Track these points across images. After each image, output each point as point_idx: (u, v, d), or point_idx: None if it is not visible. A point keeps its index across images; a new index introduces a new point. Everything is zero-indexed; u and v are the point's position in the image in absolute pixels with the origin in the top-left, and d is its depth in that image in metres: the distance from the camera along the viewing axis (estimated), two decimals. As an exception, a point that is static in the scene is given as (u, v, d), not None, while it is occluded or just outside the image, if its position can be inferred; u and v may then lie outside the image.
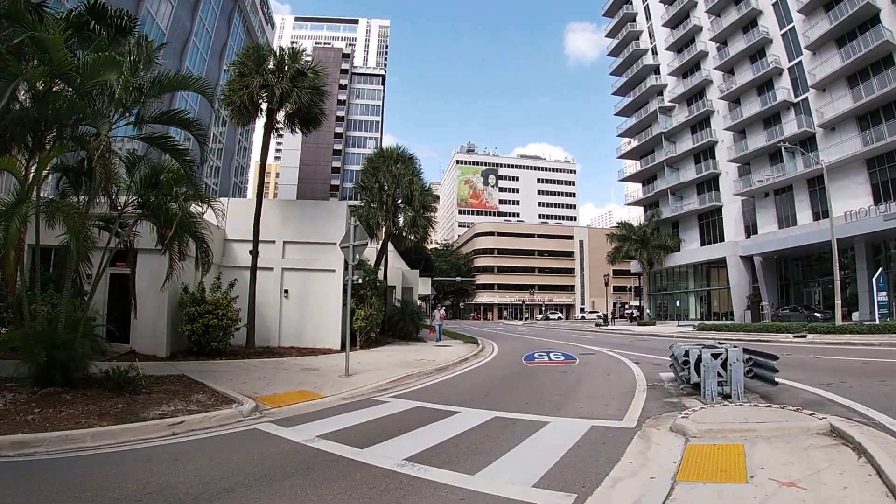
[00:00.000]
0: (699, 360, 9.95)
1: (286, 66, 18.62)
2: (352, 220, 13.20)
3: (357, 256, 12.97)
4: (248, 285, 18.39)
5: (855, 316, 35.67)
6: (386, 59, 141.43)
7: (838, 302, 30.78)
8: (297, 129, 20.19)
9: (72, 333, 9.40)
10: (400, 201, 26.46)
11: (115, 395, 9.40)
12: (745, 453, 6.18)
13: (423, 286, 40.10)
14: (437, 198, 28.35)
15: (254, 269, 18.54)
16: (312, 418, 8.78)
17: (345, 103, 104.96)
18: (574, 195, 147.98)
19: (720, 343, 11.78)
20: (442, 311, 28.73)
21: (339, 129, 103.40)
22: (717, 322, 42.41)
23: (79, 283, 12.44)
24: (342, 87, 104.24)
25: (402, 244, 28.85)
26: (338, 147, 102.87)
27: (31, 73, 8.14)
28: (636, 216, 68.65)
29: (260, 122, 19.96)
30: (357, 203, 28.78)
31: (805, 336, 26.11)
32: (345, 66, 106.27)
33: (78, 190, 11.09)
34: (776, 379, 9.98)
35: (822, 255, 41.41)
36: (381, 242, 28.63)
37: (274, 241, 20.14)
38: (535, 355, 19.64)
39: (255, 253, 18.57)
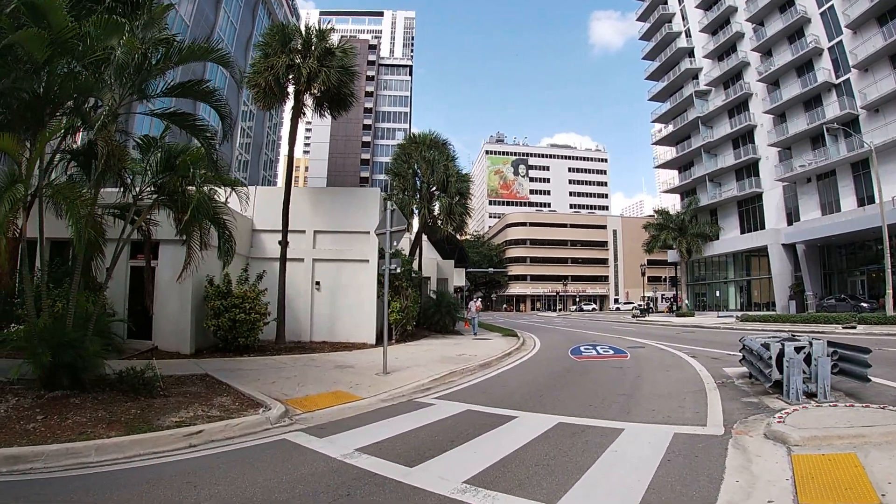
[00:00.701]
0: (780, 354, 8.94)
1: (313, 46, 17.58)
2: (389, 204, 12.10)
3: (395, 244, 11.88)
4: (278, 277, 17.46)
5: (888, 308, 33.64)
6: (412, 50, 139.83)
7: (889, 291, 29.27)
8: (326, 113, 19.19)
9: (81, 331, 8.46)
10: (434, 188, 25.21)
11: (129, 398, 8.44)
12: (861, 464, 5.36)
13: (458, 277, 38.80)
14: (472, 182, 26.99)
15: (283, 259, 17.59)
16: (349, 425, 7.70)
17: (372, 95, 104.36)
18: (606, 184, 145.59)
19: (795, 336, 10.76)
20: (478, 303, 27.28)
21: (368, 121, 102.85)
22: (760, 313, 41.05)
23: (95, 277, 11.60)
24: (370, 78, 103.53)
25: (437, 233, 27.71)
26: (366, 139, 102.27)
27: (27, 35, 7.11)
28: (670, 204, 67.01)
29: (288, 114, 19.05)
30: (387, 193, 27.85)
31: (855, 327, 24.87)
32: (371, 57, 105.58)
33: (89, 176, 10.12)
34: (868, 375, 8.80)
35: (866, 243, 40.17)
36: (415, 232, 27.51)
37: (304, 231, 19.18)
38: (582, 349, 18.47)
39: (284, 243, 17.62)
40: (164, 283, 15.49)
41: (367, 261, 18.86)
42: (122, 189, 10.75)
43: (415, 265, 24.40)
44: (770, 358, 9.04)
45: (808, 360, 8.84)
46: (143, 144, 10.62)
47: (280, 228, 17.82)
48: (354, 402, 9.15)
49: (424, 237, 30.01)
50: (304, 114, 18.80)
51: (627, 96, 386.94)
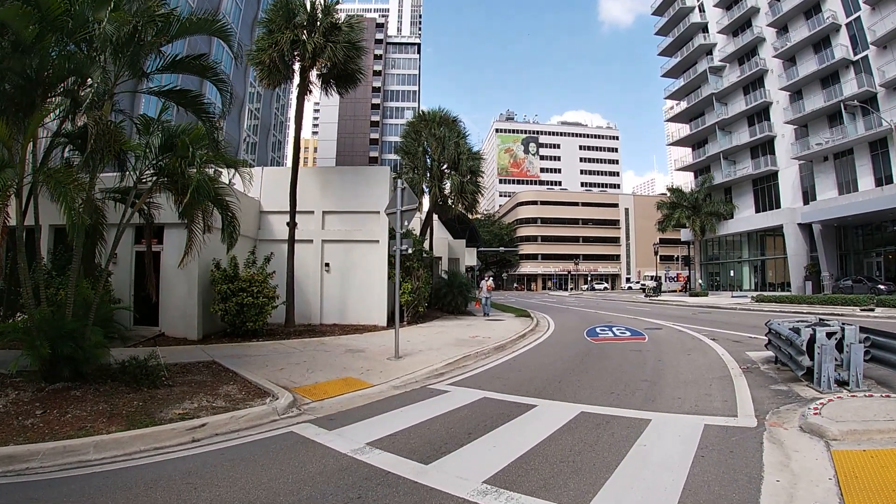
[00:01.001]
0: (811, 340, 8.58)
1: (318, 21, 16.99)
2: (399, 182, 11.65)
3: (406, 223, 11.45)
4: (286, 259, 17.09)
5: None
6: (420, 29, 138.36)
7: None
8: (333, 90, 18.62)
9: (81, 321, 8.13)
10: (445, 166, 24.59)
11: (132, 389, 8.13)
12: (910, 463, 4.96)
13: (469, 257, 38.29)
14: (484, 160, 26.33)
15: (291, 241, 17.21)
16: (360, 416, 7.34)
17: (380, 74, 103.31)
18: (617, 162, 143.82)
19: (824, 320, 10.44)
20: (490, 283, 26.53)
21: (376, 100, 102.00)
22: (776, 293, 40.53)
23: (99, 264, 11.28)
24: (377, 57, 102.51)
25: (448, 213, 27.23)
26: (375, 118, 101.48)
27: (12, 12, 6.69)
28: (683, 182, 66.05)
29: (295, 94, 18.50)
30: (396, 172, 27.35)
31: (873, 310, 24.40)
32: (379, 35, 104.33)
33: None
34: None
35: (883, 224, 39.62)
36: (425, 211, 27.01)
37: (313, 212, 18.76)
38: (598, 330, 18.09)
39: (292, 224, 17.24)
40: (169, 267, 15.16)
41: (377, 241, 18.43)
42: (122, 172, 10.41)
43: (426, 245, 23.96)
44: (802, 344, 8.64)
45: (839, 346, 8.49)
46: (142, 124, 10.21)
47: (288, 210, 17.43)
48: (365, 390, 8.81)
49: (435, 217, 29.59)
50: (310, 91, 18.29)
51: (638, 75, 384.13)
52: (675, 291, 68.38)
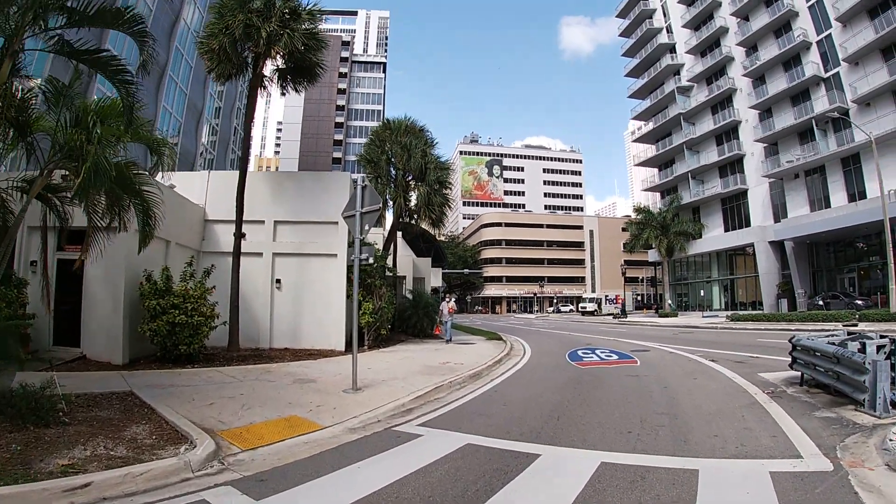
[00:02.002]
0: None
1: (276, 5, 15.07)
2: (360, 180, 9.76)
3: (367, 227, 9.52)
4: (231, 274, 14.99)
5: (891, 304, 32.65)
6: (386, 50, 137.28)
7: (893, 286, 27.86)
8: (290, 87, 16.68)
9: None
10: (410, 178, 22.64)
11: (16, 428, 6.17)
12: None
13: (435, 277, 36.07)
14: (452, 171, 24.18)
15: (237, 253, 15.09)
16: (302, 474, 5.36)
17: (345, 92, 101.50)
18: (580, 185, 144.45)
19: (854, 333, 9.26)
20: (451, 304, 23.20)
21: (340, 119, 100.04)
22: (751, 312, 39.91)
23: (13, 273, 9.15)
24: (342, 75, 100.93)
25: (413, 228, 25.33)
26: (338, 137, 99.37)
27: None
28: (648, 203, 65.57)
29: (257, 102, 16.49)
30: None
31: (856, 325, 23.52)
32: (344, 54, 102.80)
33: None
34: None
35: (855, 240, 39.82)
36: (389, 226, 24.98)
37: (263, 222, 16.70)
38: (580, 353, 16.38)
39: (238, 234, 15.15)
40: (94, 279, 13.09)
41: (336, 255, 16.40)
42: (26, 154, 8.33)
43: (389, 261, 21.98)
44: (865, 362, 7.09)
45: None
46: (52, 94, 8.15)
47: (236, 219, 15.40)
48: (313, 434, 6.81)
49: (399, 234, 27.71)
50: (264, 87, 16.36)
51: (598, 101, 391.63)
52: (641, 312, 68.07)
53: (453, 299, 21.05)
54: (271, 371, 12.04)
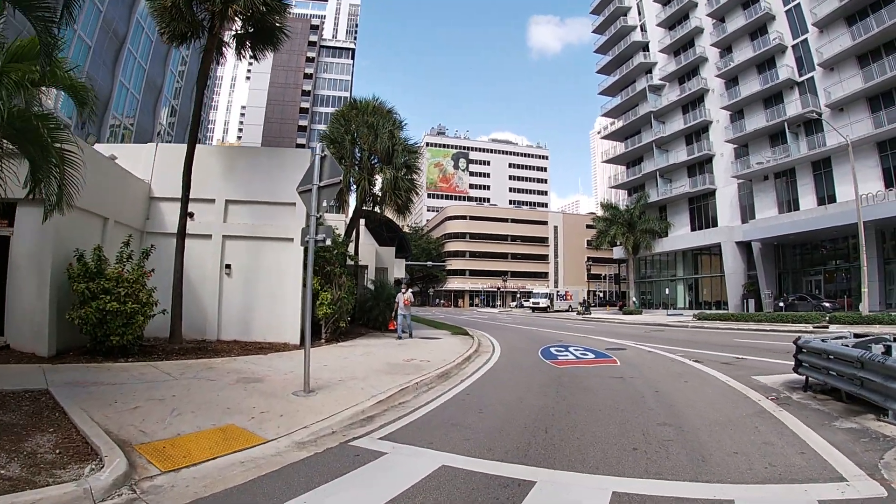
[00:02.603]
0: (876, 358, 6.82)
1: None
2: (318, 147, 8.47)
3: (326, 204, 8.25)
4: (175, 257, 13.53)
5: (861, 307, 32.66)
6: (355, 38, 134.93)
7: (865, 290, 28.33)
8: (248, 53, 15.18)
9: None
10: (376, 161, 21.16)
11: None
12: None
13: (398, 269, 34.41)
14: (421, 155, 22.42)
15: (182, 234, 13.61)
16: (233, 509, 4.14)
17: (312, 77, 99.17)
18: (546, 181, 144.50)
19: (863, 335, 9.15)
20: (407, 296, 19.83)
21: (305, 104, 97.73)
22: (718, 311, 39.70)
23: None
24: (309, 59, 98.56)
25: (376, 217, 23.87)
26: (303, 122, 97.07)
27: None
28: (615, 201, 65.23)
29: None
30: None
31: (827, 327, 23.19)
32: (313, 38, 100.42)
33: None
34: None
35: (821, 244, 40.18)
36: (351, 210, 23.46)
37: (213, 200, 15.24)
38: (553, 351, 15.41)
39: (184, 213, 13.69)
40: (20, 258, 11.50)
41: (292, 239, 14.95)
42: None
43: (351, 249, 20.58)
44: (866, 366, 6.41)
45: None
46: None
47: (191, 197, 13.97)
48: (253, 451, 5.54)
49: (362, 221, 26.31)
50: (221, 52, 14.94)
51: (563, 100, 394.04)
52: (603, 308, 67.80)
53: (409, 290, 19.26)
54: (214, 367, 10.63)
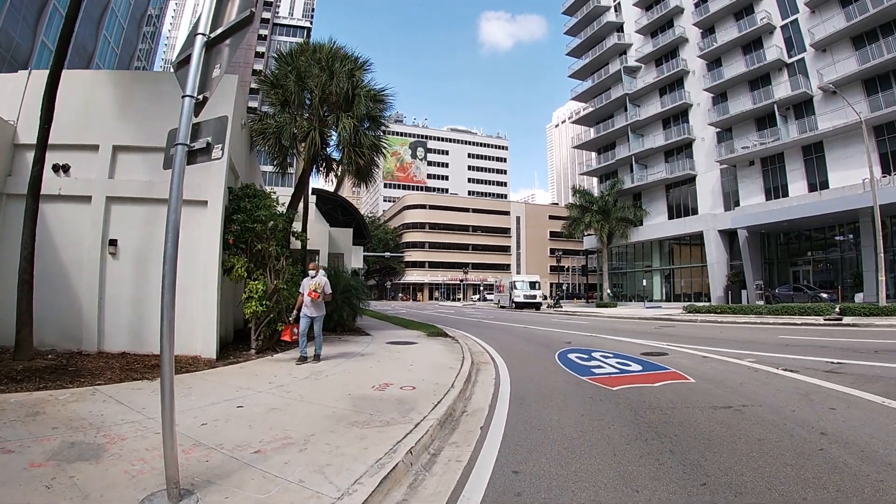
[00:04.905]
0: None
1: None
2: None
3: (220, 67, 3.85)
4: (24, 227, 8.84)
5: (858, 297, 31.30)
6: (312, 20, 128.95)
7: (882, 277, 25.19)
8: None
9: None
10: (328, 113, 15.88)
11: None
12: None
13: (356, 257, 29.03)
14: (389, 106, 16.95)
15: (34, 191, 8.90)
16: None
17: (263, 56, 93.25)
18: (505, 172, 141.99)
19: None
20: (320, 280, 10.85)
21: (255, 85, 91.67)
22: (708, 304, 36.87)
23: None
24: (262, 38, 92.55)
25: (328, 196, 19.05)
26: (253, 104, 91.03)
27: None
28: (590, 188, 61.92)
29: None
30: (266, 110, 18.18)
31: (841, 319, 21.17)
32: (266, 15, 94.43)
33: None
34: None
35: (810, 232, 38.11)
36: (299, 174, 18.49)
37: (96, 147, 10.48)
38: (576, 360, 11.42)
39: (40, 159, 8.97)
40: None
41: (206, 203, 10.44)
42: None
43: (297, 226, 15.88)
44: None
45: None
46: None
47: (63, 144, 9.39)
48: None
49: (313, 199, 21.59)
50: None
51: (518, 94, 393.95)
52: (571, 301, 64.28)
53: (322, 273, 10.67)
54: (42, 413, 5.83)
